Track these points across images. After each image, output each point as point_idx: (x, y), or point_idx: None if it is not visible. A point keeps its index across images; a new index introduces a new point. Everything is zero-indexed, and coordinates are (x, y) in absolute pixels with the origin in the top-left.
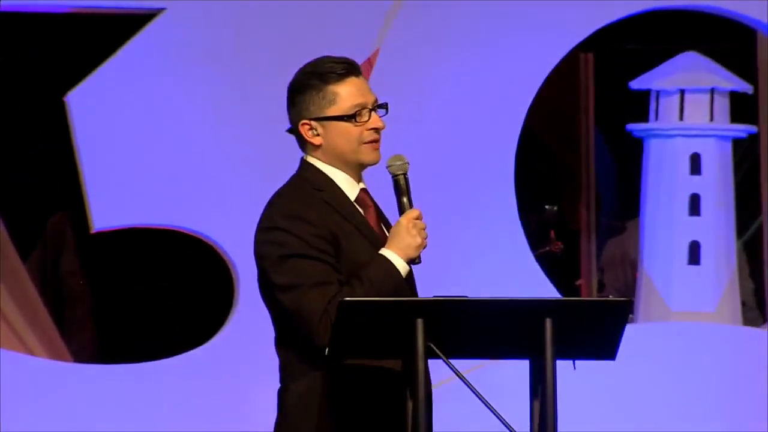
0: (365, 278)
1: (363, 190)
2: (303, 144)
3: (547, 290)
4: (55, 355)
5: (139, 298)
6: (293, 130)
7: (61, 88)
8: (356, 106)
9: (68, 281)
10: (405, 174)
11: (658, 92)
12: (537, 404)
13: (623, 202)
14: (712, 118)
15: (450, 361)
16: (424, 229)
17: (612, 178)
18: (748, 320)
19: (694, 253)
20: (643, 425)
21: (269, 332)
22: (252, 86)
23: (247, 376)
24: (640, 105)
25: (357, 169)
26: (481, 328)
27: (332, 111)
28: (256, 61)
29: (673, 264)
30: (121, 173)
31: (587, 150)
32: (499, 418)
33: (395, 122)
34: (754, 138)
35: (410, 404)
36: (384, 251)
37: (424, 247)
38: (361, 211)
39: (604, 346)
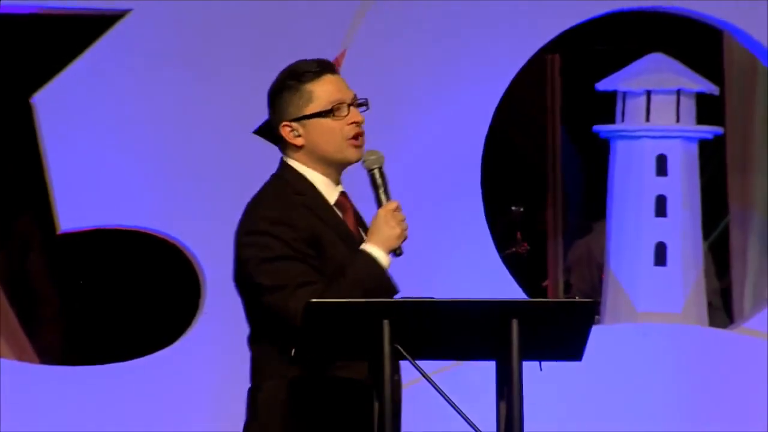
0: (349, 275)
1: (342, 193)
2: (284, 146)
3: (514, 291)
4: (22, 356)
5: (105, 299)
6: (274, 133)
7: (27, 89)
8: (333, 101)
9: (35, 282)
10: (380, 168)
11: (624, 93)
12: (503, 405)
13: (590, 203)
14: (678, 120)
15: (417, 362)
16: (403, 221)
17: (579, 179)
18: (715, 321)
19: (661, 254)
20: (609, 426)
21: (236, 333)
22: (220, 87)
23: (214, 377)
24: (607, 106)
25: (338, 170)
26: (448, 329)
27: (311, 109)
28: (223, 62)
29: (639, 265)
30: (88, 174)
31: (554, 151)
32: (465, 419)
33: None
34: (720, 139)
35: (376, 405)
36: (365, 246)
37: (405, 238)
38: (340, 214)
39: (571, 347)
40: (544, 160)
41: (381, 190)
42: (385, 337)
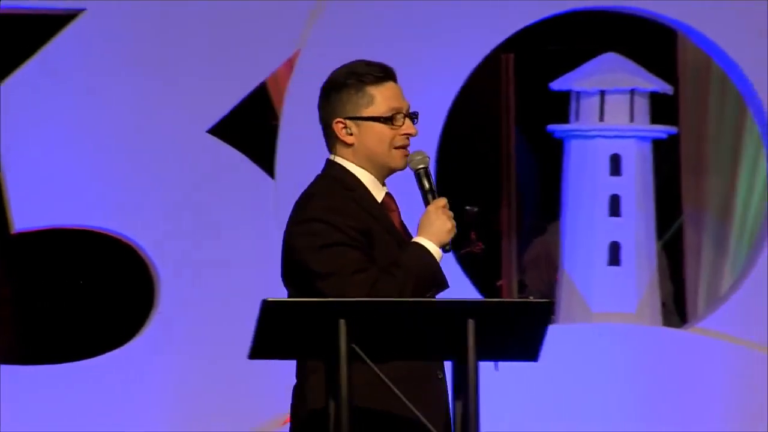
0: (402, 265)
1: (388, 194)
2: (333, 142)
3: (468, 291)
4: None
5: (60, 298)
6: (326, 127)
7: None
8: (393, 109)
9: None
10: (426, 167)
11: (578, 93)
12: (459, 405)
13: (544, 202)
14: (632, 119)
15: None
16: (452, 217)
17: (533, 178)
18: (668, 321)
19: (615, 254)
20: (564, 426)
21: (189, 332)
22: (174, 87)
23: (168, 377)
24: (561, 106)
25: (384, 173)
26: (404, 329)
27: (369, 111)
28: (177, 62)
29: (593, 265)
30: (42, 174)
31: (508, 150)
32: (421, 419)
33: (316, 122)
34: (674, 139)
35: (332, 405)
36: (418, 239)
37: (455, 233)
38: (387, 213)
39: (527, 348)
40: (498, 159)
41: (428, 189)
42: (341, 336)
